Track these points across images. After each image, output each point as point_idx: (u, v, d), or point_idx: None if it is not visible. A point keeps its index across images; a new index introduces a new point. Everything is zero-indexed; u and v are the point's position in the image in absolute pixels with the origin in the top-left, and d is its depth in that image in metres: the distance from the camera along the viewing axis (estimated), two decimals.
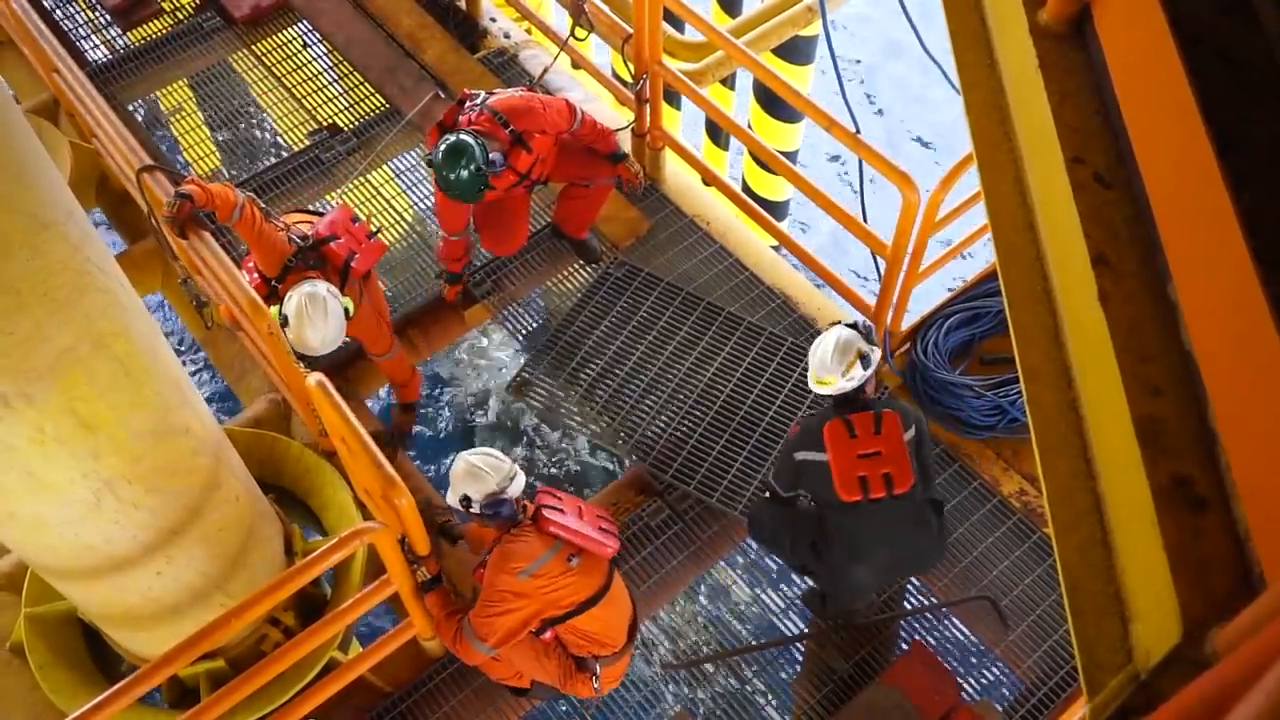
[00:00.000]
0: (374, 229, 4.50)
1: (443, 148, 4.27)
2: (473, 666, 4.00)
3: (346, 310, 4.19)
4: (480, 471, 3.54)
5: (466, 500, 3.56)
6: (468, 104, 4.52)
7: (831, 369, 3.70)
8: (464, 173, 4.26)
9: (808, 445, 3.77)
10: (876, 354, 3.74)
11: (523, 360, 5.04)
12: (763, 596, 4.64)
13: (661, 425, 4.72)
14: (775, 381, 4.81)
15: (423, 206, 5.86)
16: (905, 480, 3.65)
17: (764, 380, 4.82)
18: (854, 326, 3.79)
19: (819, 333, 5.01)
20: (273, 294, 4.25)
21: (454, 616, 3.71)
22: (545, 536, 3.56)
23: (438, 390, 9.22)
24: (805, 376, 3.96)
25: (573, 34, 5.47)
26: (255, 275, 4.38)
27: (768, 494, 4.05)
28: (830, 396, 3.78)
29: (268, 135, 6.60)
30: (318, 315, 4.05)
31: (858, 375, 3.69)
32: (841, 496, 3.66)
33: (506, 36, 6.43)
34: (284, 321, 4.08)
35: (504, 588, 3.50)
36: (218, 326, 4.78)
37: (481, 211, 4.88)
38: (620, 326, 5.04)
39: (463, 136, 4.28)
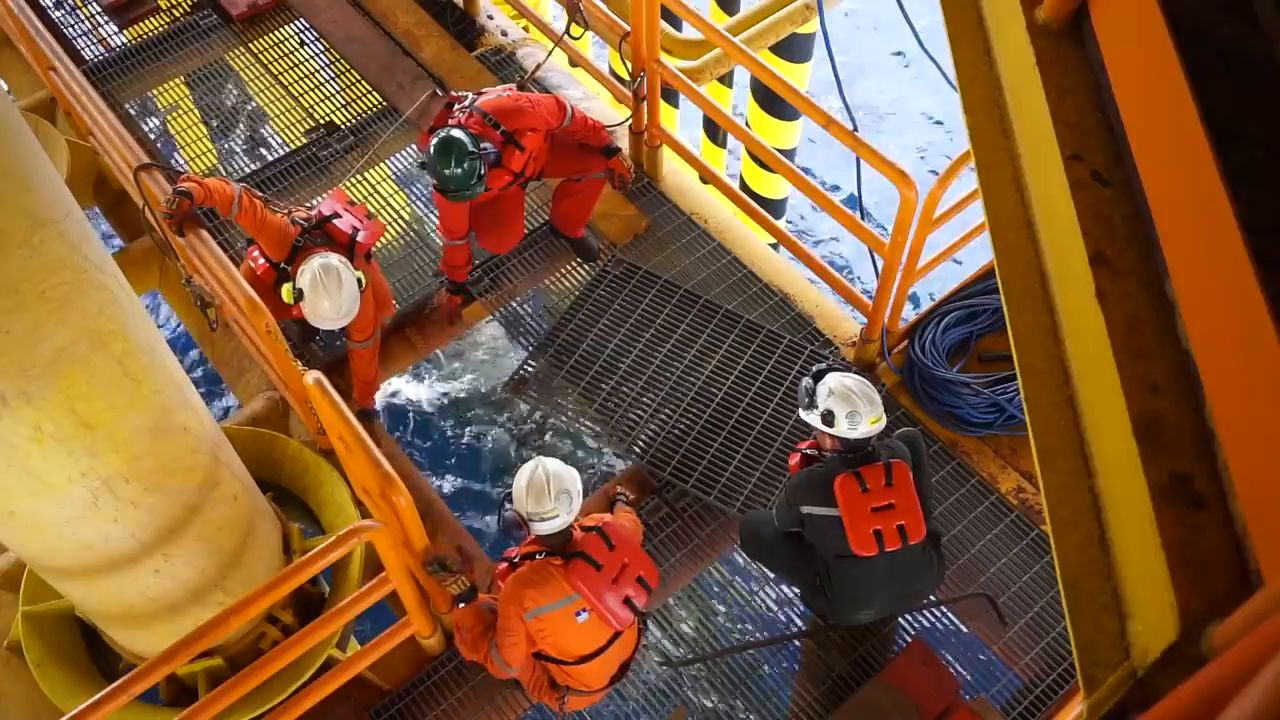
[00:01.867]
0: (369, 214, 4.55)
1: (432, 146, 4.29)
2: (470, 663, 4.00)
3: (360, 281, 4.22)
4: (525, 489, 3.44)
5: (508, 497, 3.51)
6: (456, 107, 4.53)
7: (879, 405, 3.61)
8: (460, 168, 4.26)
9: (814, 499, 3.67)
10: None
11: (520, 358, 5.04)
12: (760, 594, 4.64)
13: (659, 423, 4.72)
14: (773, 379, 4.81)
15: (420, 205, 5.85)
16: (919, 530, 3.62)
17: (762, 378, 4.82)
18: (824, 372, 3.74)
19: (817, 329, 5.03)
20: (283, 277, 4.28)
21: (486, 635, 3.64)
22: (566, 583, 3.44)
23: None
24: (801, 373, 3.90)
25: (568, 31, 5.47)
26: (263, 262, 4.40)
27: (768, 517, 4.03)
28: (840, 448, 3.69)
29: (265, 133, 6.59)
30: (332, 285, 4.11)
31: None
32: (857, 552, 3.61)
33: (504, 34, 6.42)
34: (299, 296, 4.12)
35: (512, 618, 3.48)
36: (222, 327, 4.78)
37: (476, 211, 4.88)
38: (618, 324, 5.04)
39: (450, 132, 4.29)
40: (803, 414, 3.74)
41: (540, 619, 3.47)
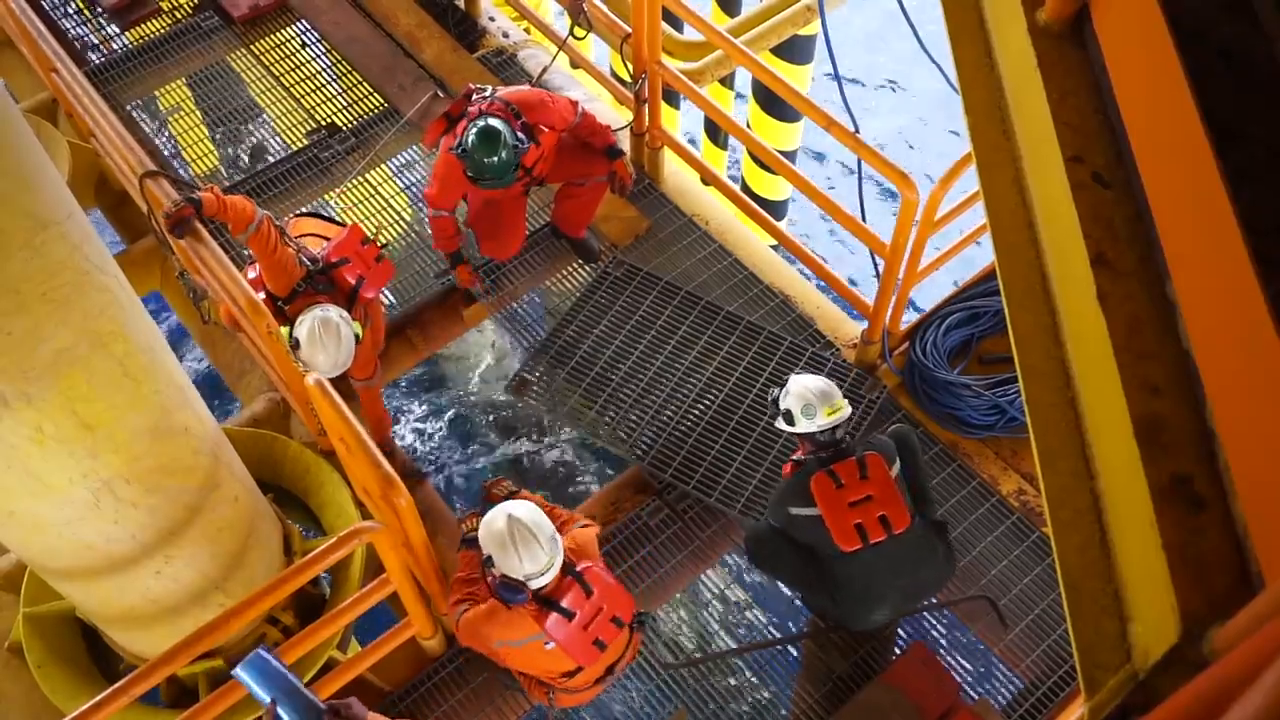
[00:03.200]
0: (382, 244, 4.51)
1: (473, 133, 4.29)
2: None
3: (356, 336, 4.20)
4: (512, 548, 3.22)
5: (489, 561, 3.28)
6: (475, 95, 4.53)
7: (834, 397, 3.71)
8: (500, 155, 4.28)
9: (797, 501, 3.75)
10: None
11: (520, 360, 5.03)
12: (761, 595, 4.64)
13: (661, 425, 4.71)
14: (774, 381, 4.80)
15: (421, 206, 5.85)
16: (901, 519, 3.66)
17: (763, 379, 4.81)
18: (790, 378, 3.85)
19: (818, 331, 5.03)
20: (279, 314, 4.25)
21: (468, 598, 3.52)
22: (535, 625, 3.31)
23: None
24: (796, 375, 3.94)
25: (572, 33, 5.47)
26: (262, 292, 4.37)
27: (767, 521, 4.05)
28: (811, 448, 3.76)
29: (266, 134, 6.59)
30: (330, 340, 4.07)
31: (848, 405, 3.75)
32: (842, 547, 3.65)
33: (505, 36, 6.43)
34: (295, 344, 4.09)
35: (483, 643, 3.43)
36: (214, 323, 4.77)
37: (478, 215, 4.87)
38: (619, 325, 5.03)
39: (490, 121, 4.30)
40: (775, 422, 3.87)
41: (507, 649, 3.41)
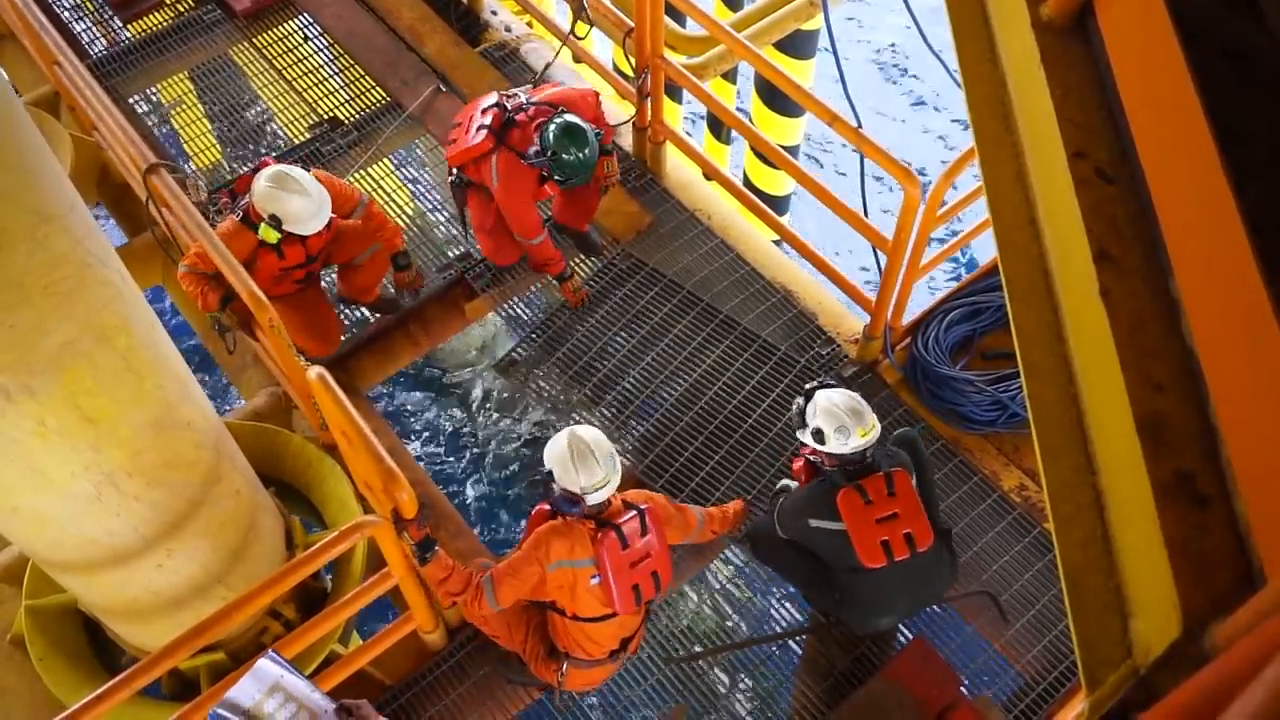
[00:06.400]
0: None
1: (555, 131, 4.27)
2: (474, 662, 3.99)
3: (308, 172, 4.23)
4: (571, 463, 3.39)
5: (550, 475, 3.46)
6: (510, 104, 4.50)
7: (866, 417, 3.64)
8: (584, 152, 4.26)
9: (820, 514, 3.69)
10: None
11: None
12: (763, 591, 4.64)
13: (650, 427, 4.70)
14: (782, 402, 4.78)
15: (423, 201, 5.85)
16: (926, 537, 3.63)
17: (770, 399, 4.79)
18: (814, 390, 3.77)
19: (819, 327, 5.02)
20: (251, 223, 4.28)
21: (467, 580, 3.52)
22: (590, 547, 3.44)
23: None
24: (789, 386, 3.89)
25: (573, 30, 5.46)
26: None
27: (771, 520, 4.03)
28: (836, 463, 3.70)
29: (268, 128, 6.59)
30: (292, 183, 4.10)
31: (878, 423, 3.69)
32: (866, 564, 3.62)
33: (508, 30, 6.42)
34: (276, 223, 4.11)
35: (533, 562, 3.47)
36: (236, 348, 4.77)
37: (484, 217, 4.86)
38: (616, 317, 5.03)
39: (569, 118, 4.30)
40: (798, 434, 3.80)
41: (560, 571, 3.48)
